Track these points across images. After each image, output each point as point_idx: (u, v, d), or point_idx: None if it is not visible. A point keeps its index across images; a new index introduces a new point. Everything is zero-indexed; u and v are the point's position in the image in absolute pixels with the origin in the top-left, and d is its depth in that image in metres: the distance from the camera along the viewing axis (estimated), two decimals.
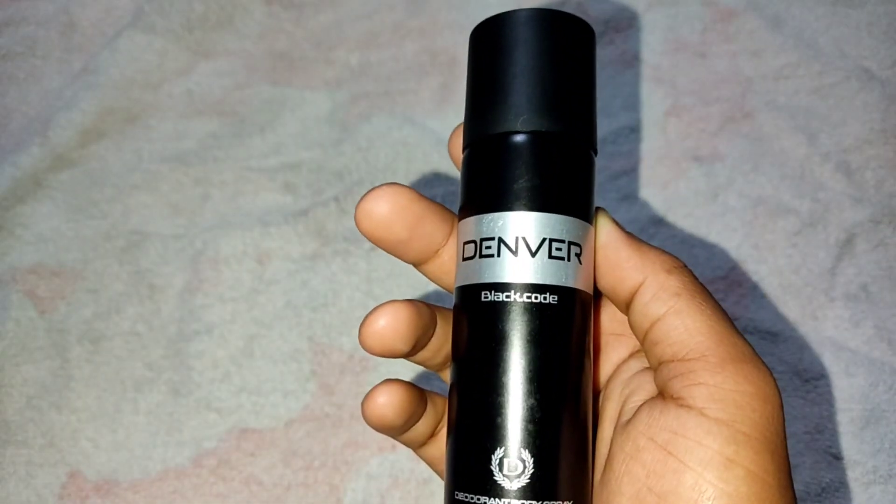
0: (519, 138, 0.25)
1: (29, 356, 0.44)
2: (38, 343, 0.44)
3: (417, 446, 0.29)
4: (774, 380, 0.23)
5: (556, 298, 0.24)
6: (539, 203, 0.24)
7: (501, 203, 0.25)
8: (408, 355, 0.27)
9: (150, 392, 0.43)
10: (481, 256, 0.25)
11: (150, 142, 0.51)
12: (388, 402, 0.26)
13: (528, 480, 0.23)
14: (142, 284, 0.46)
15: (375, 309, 0.25)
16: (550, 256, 0.24)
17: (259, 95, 0.52)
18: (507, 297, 0.24)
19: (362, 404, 0.26)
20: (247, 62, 0.54)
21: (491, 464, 0.23)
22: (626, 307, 0.26)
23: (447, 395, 0.29)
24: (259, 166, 0.50)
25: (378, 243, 0.26)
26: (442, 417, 0.28)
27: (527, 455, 0.23)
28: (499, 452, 0.23)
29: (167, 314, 0.45)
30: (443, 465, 0.29)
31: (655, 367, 0.25)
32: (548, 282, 0.24)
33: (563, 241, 0.24)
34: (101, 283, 0.46)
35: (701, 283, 0.25)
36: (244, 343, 0.44)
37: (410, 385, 0.27)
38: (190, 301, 0.45)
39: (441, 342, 0.27)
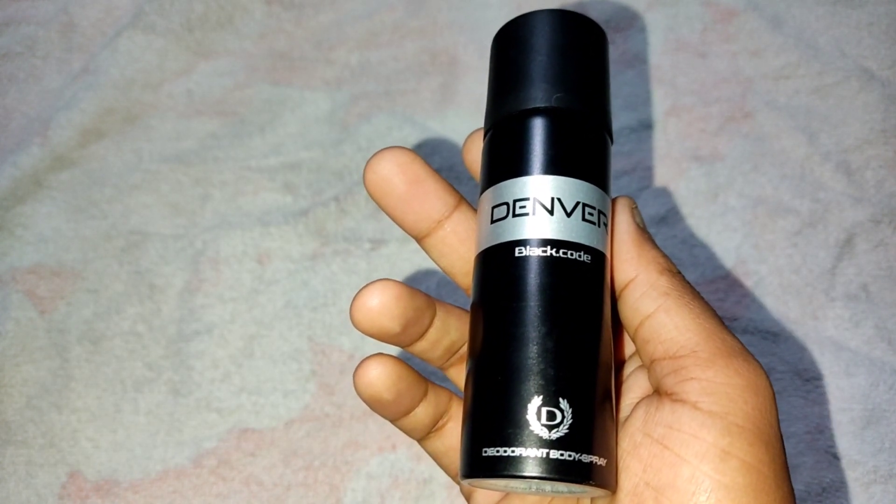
0: (554, 112, 0.26)
1: (29, 356, 0.44)
2: (38, 343, 0.44)
3: (420, 436, 0.29)
4: (765, 372, 0.23)
5: (589, 258, 0.25)
6: (574, 170, 0.25)
7: (537, 167, 0.25)
8: (401, 341, 0.27)
9: (150, 392, 0.43)
10: (515, 216, 0.25)
11: (150, 142, 0.51)
12: (378, 376, 0.26)
13: (566, 431, 0.23)
14: (142, 284, 0.46)
15: (366, 285, 0.25)
16: (584, 219, 0.25)
17: (259, 95, 0.52)
18: (544, 251, 0.24)
19: (354, 374, 0.26)
20: (247, 62, 0.54)
21: (528, 413, 0.23)
22: (617, 297, 0.26)
23: (446, 389, 0.29)
24: (259, 166, 0.50)
25: (378, 200, 0.27)
26: (445, 411, 0.28)
27: (565, 404, 0.23)
28: (536, 401, 0.23)
29: (167, 314, 0.45)
30: (447, 458, 0.29)
31: (648, 366, 0.25)
32: (582, 241, 0.25)
33: (594, 208, 0.25)
34: (101, 283, 0.46)
35: (691, 285, 0.25)
36: (244, 343, 0.44)
37: (405, 364, 0.27)
38: (190, 301, 0.45)
39: (440, 334, 0.27)
